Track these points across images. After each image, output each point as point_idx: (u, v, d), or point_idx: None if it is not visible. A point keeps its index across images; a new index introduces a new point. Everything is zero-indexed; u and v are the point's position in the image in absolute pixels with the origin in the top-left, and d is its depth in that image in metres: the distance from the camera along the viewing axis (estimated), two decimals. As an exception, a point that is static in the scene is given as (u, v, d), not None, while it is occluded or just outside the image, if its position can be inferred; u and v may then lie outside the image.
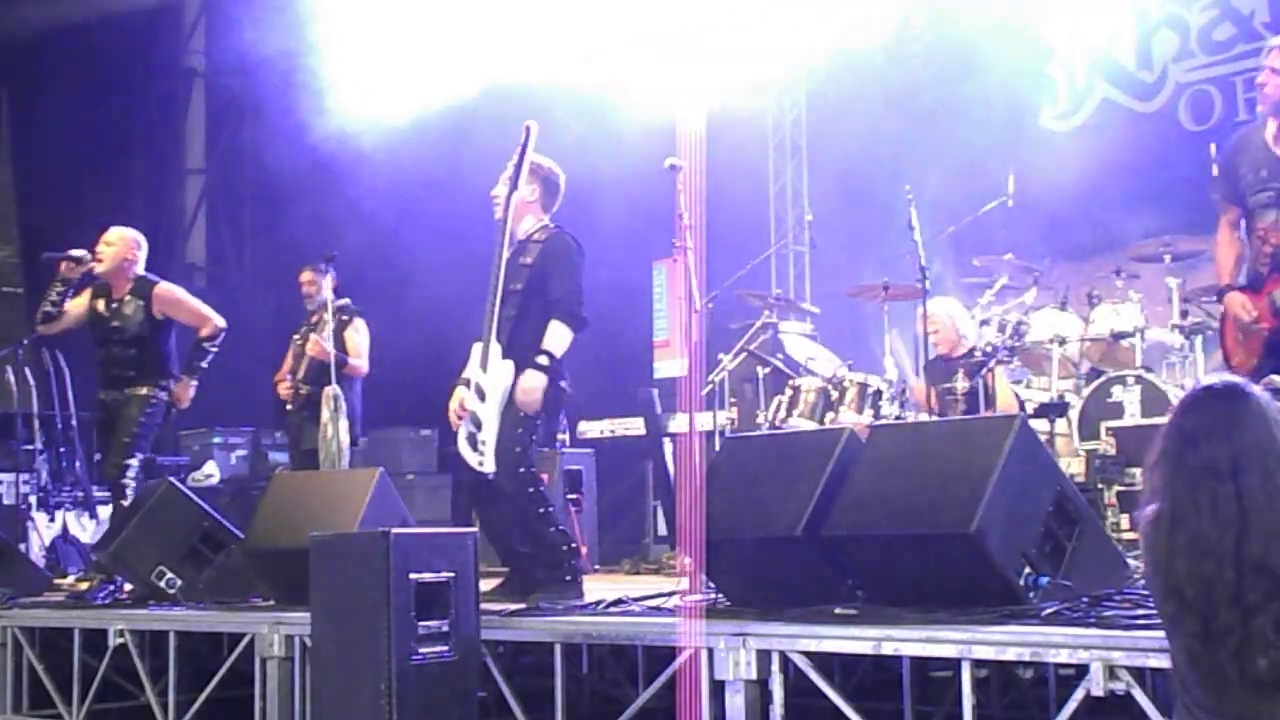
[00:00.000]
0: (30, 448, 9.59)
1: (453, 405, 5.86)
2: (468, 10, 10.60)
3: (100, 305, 7.73)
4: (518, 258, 5.95)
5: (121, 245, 7.76)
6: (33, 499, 9.42)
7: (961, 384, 7.80)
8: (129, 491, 7.39)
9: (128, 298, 7.68)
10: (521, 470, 5.73)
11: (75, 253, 7.61)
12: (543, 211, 6.10)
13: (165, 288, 7.77)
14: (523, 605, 5.28)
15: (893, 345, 8.37)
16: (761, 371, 8.69)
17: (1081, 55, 10.83)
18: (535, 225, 6.05)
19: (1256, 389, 2.93)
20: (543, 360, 5.78)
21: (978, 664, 3.91)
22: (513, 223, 5.96)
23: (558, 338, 5.83)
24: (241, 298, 12.80)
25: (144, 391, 7.59)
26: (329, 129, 11.69)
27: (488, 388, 5.76)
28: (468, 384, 5.85)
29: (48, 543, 9.33)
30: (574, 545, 5.85)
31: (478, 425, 5.74)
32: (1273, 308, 5.15)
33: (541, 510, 5.75)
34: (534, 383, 5.75)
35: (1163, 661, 3.14)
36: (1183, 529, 2.79)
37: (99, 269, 7.67)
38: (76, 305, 7.77)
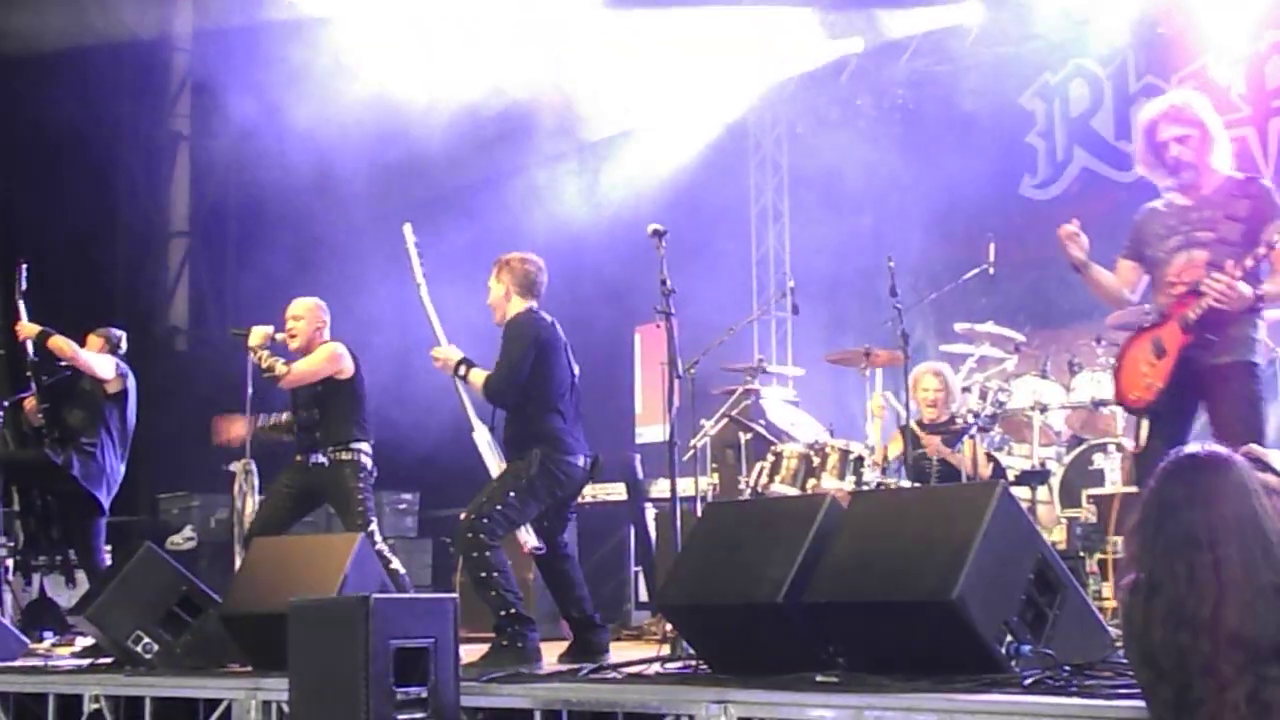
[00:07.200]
0: (6, 510, 9.51)
1: None
2: (446, 79, 10.75)
3: None
4: None
5: (310, 316, 7.52)
6: (9, 562, 9.33)
7: (942, 450, 7.83)
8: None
9: None
10: (469, 535, 5.99)
11: (260, 329, 7.32)
12: (521, 300, 6.33)
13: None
14: (500, 672, 5.26)
15: (872, 411, 8.39)
16: (744, 437, 8.68)
17: (1061, 125, 10.96)
18: (509, 315, 6.32)
19: (1239, 459, 2.93)
20: (461, 369, 6.23)
21: (960, 732, 3.89)
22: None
23: (478, 378, 6.19)
24: (223, 361, 12.73)
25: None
26: (314, 192, 11.76)
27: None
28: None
29: (24, 606, 9.23)
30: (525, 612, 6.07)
31: None
32: (1184, 324, 5.28)
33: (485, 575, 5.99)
34: (449, 359, 6.29)
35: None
36: (1160, 597, 2.79)
37: (293, 345, 7.37)
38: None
